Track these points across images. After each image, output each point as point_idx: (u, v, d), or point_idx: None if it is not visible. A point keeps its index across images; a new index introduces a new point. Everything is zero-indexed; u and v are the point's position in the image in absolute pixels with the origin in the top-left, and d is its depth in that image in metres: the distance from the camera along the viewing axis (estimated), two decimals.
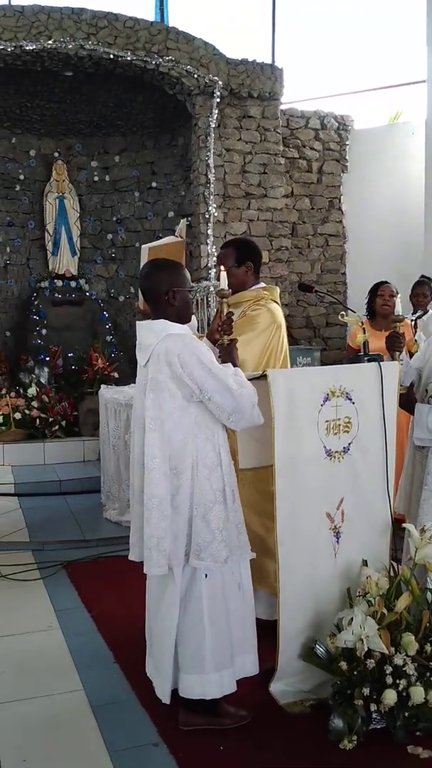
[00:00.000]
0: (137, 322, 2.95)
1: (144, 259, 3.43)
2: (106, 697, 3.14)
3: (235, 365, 2.91)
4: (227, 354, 2.97)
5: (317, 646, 2.97)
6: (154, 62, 7.92)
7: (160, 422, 2.76)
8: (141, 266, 3.35)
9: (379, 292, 5.60)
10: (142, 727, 2.91)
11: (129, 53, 7.83)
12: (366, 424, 3.13)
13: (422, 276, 6.85)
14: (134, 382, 3.08)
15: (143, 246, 3.68)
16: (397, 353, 3.27)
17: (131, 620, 3.62)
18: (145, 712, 3.01)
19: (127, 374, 7.70)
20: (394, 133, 9.55)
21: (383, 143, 9.49)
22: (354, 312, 3.55)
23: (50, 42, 7.60)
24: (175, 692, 2.91)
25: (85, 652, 3.55)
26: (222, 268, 3.15)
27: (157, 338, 2.79)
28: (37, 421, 7.71)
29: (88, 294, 9.50)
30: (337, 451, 3.07)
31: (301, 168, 9.31)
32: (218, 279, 3.09)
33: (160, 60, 7.93)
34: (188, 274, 2.98)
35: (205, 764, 2.68)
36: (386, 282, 5.65)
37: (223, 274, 3.05)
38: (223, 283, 3.02)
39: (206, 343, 3.13)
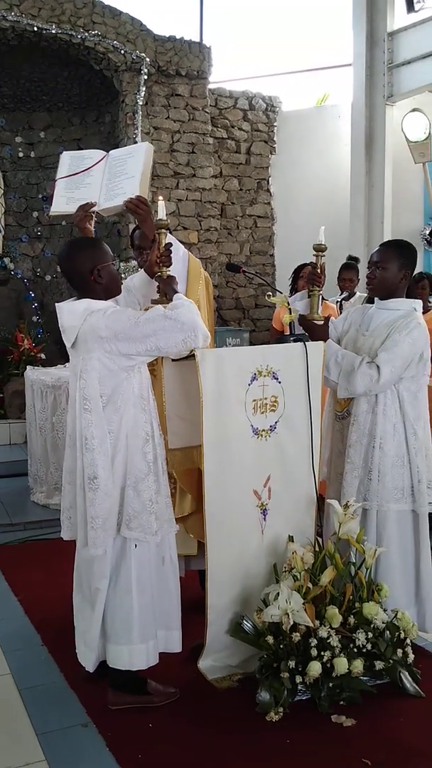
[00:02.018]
0: (57, 304, 2.89)
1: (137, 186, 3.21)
2: (33, 680, 3.11)
3: (171, 299, 2.86)
4: (166, 286, 2.92)
5: (244, 621, 3.01)
6: (79, 36, 7.75)
7: (96, 402, 2.74)
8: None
9: (301, 274, 5.67)
10: (70, 709, 2.91)
11: (54, 26, 7.64)
12: (292, 403, 3.17)
13: (349, 257, 6.96)
14: (61, 363, 3.04)
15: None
16: (317, 288, 3.29)
17: (59, 603, 3.59)
18: (73, 693, 3.01)
19: (55, 355, 7.58)
20: (321, 116, 9.65)
21: (311, 125, 9.57)
22: (281, 293, 3.58)
23: None
24: (104, 674, 2.92)
25: (12, 636, 3.51)
26: (161, 198, 3.09)
27: (81, 319, 2.76)
28: None
29: (13, 273, 9.29)
30: (264, 430, 3.11)
31: (230, 148, 9.30)
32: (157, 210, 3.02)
33: (86, 34, 7.77)
34: (107, 246, 2.93)
35: (135, 742, 2.69)
36: (309, 263, 5.71)
37: (161, 204, 2.99)
38: (161, 213, 2.97)
39: (143, 277, 3.09)
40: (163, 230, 2.97)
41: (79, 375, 2.77)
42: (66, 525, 2.93)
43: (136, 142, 8.16)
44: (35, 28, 7.58)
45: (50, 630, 3.53)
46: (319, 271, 3.29)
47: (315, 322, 3.26)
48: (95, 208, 3.26)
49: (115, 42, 7.92)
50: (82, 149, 8.98)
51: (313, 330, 3.26)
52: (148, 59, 8.06)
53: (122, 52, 7.95)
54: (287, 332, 3.36)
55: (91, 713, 2.87)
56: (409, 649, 3.00)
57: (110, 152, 3.44)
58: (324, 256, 3.30)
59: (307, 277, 3.38)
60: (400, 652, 2.96)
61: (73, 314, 2.80)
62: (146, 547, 2.84)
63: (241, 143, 9.41)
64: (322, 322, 3.26)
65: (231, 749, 2.65)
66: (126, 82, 8.12)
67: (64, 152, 3.53)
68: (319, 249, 3.27)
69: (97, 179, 3.35)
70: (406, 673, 2.98)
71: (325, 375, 3.24)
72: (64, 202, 3.33)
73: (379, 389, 3.17)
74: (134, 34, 8.07)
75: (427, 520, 3.31)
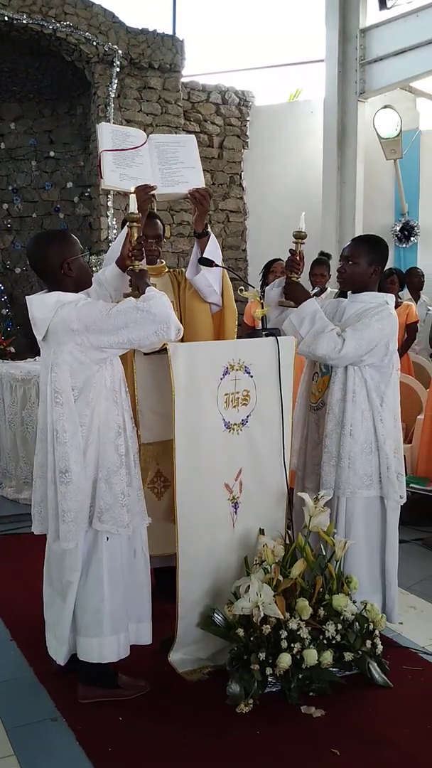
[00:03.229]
0: (27, 296, 2.87)
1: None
2: (2, 675, 3.10)
3: (143, 292, 2.84)
4: (139, 279, 2.90)
5: (215, 614, 3.02)
6: (51, 27, 7.66)
7: (67, 395, 2.72)
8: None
9: (271, 269, 5.70)
10: (40, 703, 2.90)
11: (25, 16, 7.54)
12: (263, 397, 3.18)
13: (321, 253, 7.00)
14: (31, 357, 3.02)
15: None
16: (295, 275, 3.34)
17: (29, 598, 3.57)
18: (42, 687, 3.00)
19: (24, 348, 7.51)
20: (293, 111, 9.66)
21: (283, 120, 9.58)
22: (253, 287, 3.58)
23: None
24: (74, 668, 2.91)
25: None
26: (131, 190, 3.07)
27: (52, 312, 2.74)
28: None
29: None
30: (235, 424, 3.12)
31: (203, 143, 9.27)
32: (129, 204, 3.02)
33: (58, 25, 7.68)
34: (75, 239, 2.91)
35: (105, 736, 2.69)
36: (279, 259, 5.74)
37: (133, 197, 2.98)
38: (133, 206, 2.95)
39: (115, 270, 3.08)
40: (135, 224, 2.96)
41: (50, 368, 2.75)
42: (37, 519, 2.91)
43: None
44: (5, 18, 7.47)
45: (19, 625, 3.51)
46: (298, 258, 3.32)
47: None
48: (155, 192, 3.27)
49: (87, 33, 7.85)
50: (53, 141, 9.01)
51: (293, 289, 3.32)
52: (120, 51, 8.00)
53: (94, 43, 7.88)
54: (259, 326, 3.37)
55: (61, 707, 2.86)
56: (377, 640, 3.03)
57: (150, 136, 3.45)
58: (304, 243, 3.33)
59: (285, 264, 3.41)
60: (369, 643, 3.00)
61: (44, 307, 2.78)
62: (118, 540, 2.84)
63: (214, 137, 9.39)
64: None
65: (201, 742, 2.66)
66: (98, 74, 8.05)
67: (103, 124, 3.48)
68: (299, 236, 3.32)
69: (146, 160, 3.37)
70: (375, 664, 3.02)
71: (295, 325, 3.26)
72: (117, 177, 3.27)
73: (338, 360, 3.21)
74: (106, 25, 8.00)
75: (397, 511, 3.36)
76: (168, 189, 3.29)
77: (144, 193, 3.20)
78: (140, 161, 3.34)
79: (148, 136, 3.44)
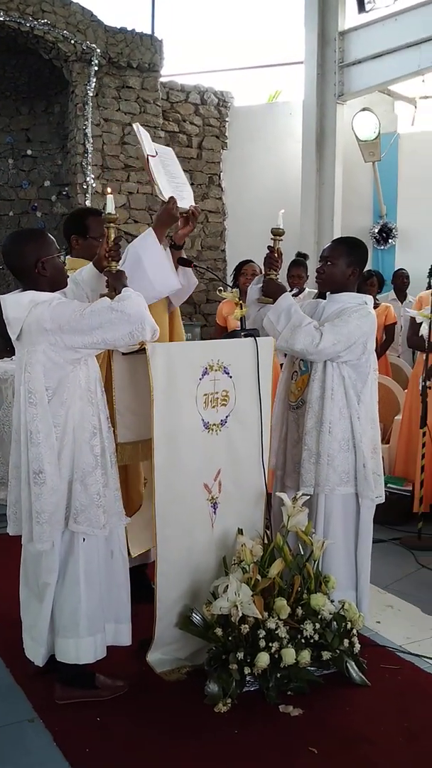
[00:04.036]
0: (1, 296, 2.85)
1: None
2: None
3: (120, 293, 2.82)
4: (115, 280, 2.88)
5: (194, 614, 3.02)
6: (28, 24, 7.62)
7: (41, 395, 2.71)
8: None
9: (242, 271, 5.72)
10: (16, 704, 2.88)
11: (2, 13, 7.50)
12: (242, 398, 3.19)
13: (298, 254, 7.03)
14: (7, 356, 2.99)
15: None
16: (273, 272, 3.36)
17: (5, 600, 3.54)
18: (19, 688, 2.98)
19: (1, 348, 7.44)
20: (273, 113, 9.70)
21: (262, 122, 9.61)
22: (231, 287, 3.60)
23: None
24: (52, 669, 2.89)
25: None
26: (110, 191, 3.07)
27: (26, 311, 2.72)
28: None
29: None
30: (214, 424, 3.12)
31: (182, 142, 9.28)
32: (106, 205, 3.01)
33: (35, 22, 7.65)
34: (52, 238, 2.89)
35: (83, 737, 2.68)
36: (250, 261, 5.76)
37: (110, 198, 2.97)
38: (110, 207, 2.94)
39: (92, 270, 3.08)
40: (112, 224, 2.96)
41: (24, 368, 2.73)
42: (12, 520, 2.89)
43: (86, 134, 8.09)
44: None
45: None
46: (276, 255, 3.34)
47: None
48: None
49: (65, 31, 7.82)
50: (30, 139, 8.96)
51: (269, 285, 3.34)
52: (98, 50, 7.98)
53: (72, 42, 7.85)
54: (238, 327, 3.37)
55: (38, 708, 2.84)
56: (355, 639, 3.05)
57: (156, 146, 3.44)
58: (281, 240, 3.35)
59: (263, 261, 3.42)
60: (346, 642, 3.01)
61: (18, 306, 2.75)
62: (94, 541, 2.83)
63: (193, 138, 9.39)
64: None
65: (179, 742, 2.65)
66: (76, 73, 8.03)
67: (137, 124, 3.43)
68: (277, 233, 3.34)
69: (179, 174, 3.44)
70: (353, 663, 3.03)
71: (272, 321, 3.28)
72: (179, 199, 3.27)
73: (316, 355, 3.23)
74: (85, 24, 7.97)
75: (372, 509, 3.38)
76: (180, 204, 3.29)
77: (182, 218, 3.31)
78: (176, 176, 3.40)
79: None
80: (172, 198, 3.19)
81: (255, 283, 3.47)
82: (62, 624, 2.82)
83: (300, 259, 6.64)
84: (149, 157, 3.27)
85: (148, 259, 3.14)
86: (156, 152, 3.35)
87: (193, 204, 3.36)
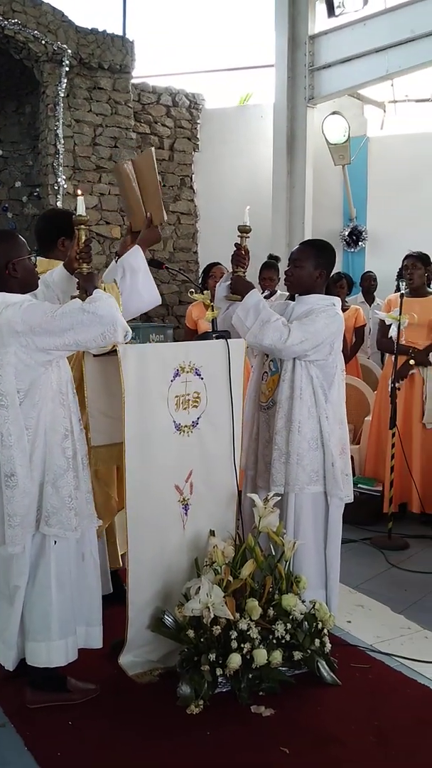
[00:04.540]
0: None
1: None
2: None
3: (90, 294, 2.82)
4: (86, 282, 2.88)
5: (166, 616, 3.02)
6: None
7: (12, 397, 2.69)
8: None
9: (210, 273, 5.74)
10: None
11: None
12: (214, 399, 3.20)
13: (270, 256, 7.05)
14: None
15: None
16: (241, 269, 3.38)
17: None
18: None
19: None
20: (244, 115, 9.73)
21: (234, 124, 9.64)
22: (202, 290, 3.61)
23: None
24: (22, 673, 2.87)
25: None
26: (80, 192, 3.07)
27: None
28: None
29: None
30: (186, 426, 3.12)
31: (153, 144, 9.26)
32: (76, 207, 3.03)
33: (6, 22, 7.59)
34: (23, 240, 2.89)
35: (54, 740, 2.67)
36: (218, 263, 5.80)
37: (81, 199, 2.97)
38: (81, 209, 2.94)
39: (63, 272, 3.07)
40: (83, 226, 2.96)
41: None
42: None
43: (57, 135, 8.04)
44: None
45: None
46: (243, 252, 3.36)
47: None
48: None
49: (35, 32, 7.77)
50: (1, 140, 8.88)
51: (237, 282, 3.37)
52: (69, 51, 7.94)
53: (43, 42, 7.80)
54: (209, 329, 3.39)
55: (9, 713, 2.82)
56: (326, 639, 3.07)
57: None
58: (248, 237, 3.37)
59: (231, 258, 3.44)
60: (317, 642, 3.03)
61: None
62: (66, 544, 2.82)
63: (165, 139, 9.39)
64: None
65: (152, 744, 2.65)
66: (47, 73, 7.98)
67: (152, 148, 3.54)
68: (244, 230, 3.37)
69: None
70: (324, 663, 3.05)
71: (241, 317, 3.30)
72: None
73: (284, 351, 3.26)
74: (56, 24, 7.93)
75: (341, 507, 3.41)
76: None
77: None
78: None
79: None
80: (159, 217, 3.34)
81: (224, 281, 3.48)
82: (33, 627, 2.81)
83: (272, 262, 6.66)
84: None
85: (142, 275, 3.30)
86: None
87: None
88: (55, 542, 2.79)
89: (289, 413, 3.31)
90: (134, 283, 3.26)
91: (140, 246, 3.33)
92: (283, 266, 6.10)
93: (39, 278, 2.95)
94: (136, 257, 3.31)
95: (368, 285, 7.72)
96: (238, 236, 3.38)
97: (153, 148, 3.54)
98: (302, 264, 3.39)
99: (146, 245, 3.38)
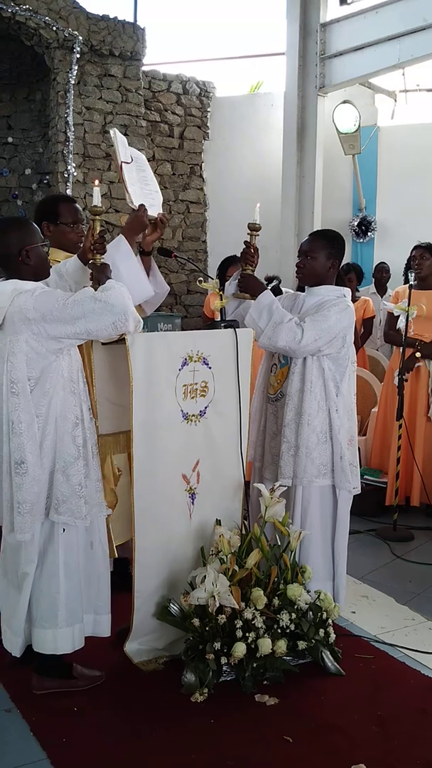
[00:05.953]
0: None
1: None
2: None
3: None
4: (100, 273, 2.88)
5: (171, 604, 3.04)
6: (9, 10, 7.52)
7: (23, 385, 2.70)
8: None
9: (228, 273, 5.70)
10: None
11: None
12: (221, 389, 3.20)
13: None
14: None
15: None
16: (250, 267, 3.38)
17: None
18: None
19: None
20: (255, 103, 9.66)
21: (244, 112, 9.58)
22: (212, 279, 3.60)
23: None
24: (29, 660, 2.90)
25: None
26: (96, 182, 3.05)
27: (8, 300, 2.71)
28: None
29: None
30: (193, 415, 3.13)
31: (163, 132, 9.23)
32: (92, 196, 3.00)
33: (17, 8, 7.55)
34: (36, 227, 2.88)
35: (60, 726, 2.69)
36: (235, 258, 5.74)
37: (96, 189, 2.96)
38: (96, 199, 2.93)
39: (77, 263, 3.07)
40: (98, 217, 2.95)
41: (7, 357, 2.72)
42: None
43: (68, 122, 8.00)
44: None
45: None
46: (252, 250, 3.35)
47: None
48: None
49: (47, 18, 7.73)
50: (11, 127, 8.87)
51: (248, 281, 3.36)
52: (81, 37, 7.90)
53: (54, 28, 7.76)
54: (218, 318, 3.38)
55: (15, 698, 2.85)
56: (330, 629, 3.09)
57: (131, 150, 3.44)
58: (258, 235, 3.36)
59: (240, 256, 3.44)
60: (322, 632, 3.04)
61: (1, 295, 2.74)
62: (74, 531, 2.83)
63: (175, 127, 9.34)
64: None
65: (156, 731, 2.67)
66: (58, 60, 7.94)
67: (114, 129, 3.43)
68: (254, 228, 3.35)
69: (153, 182, 3.48)
70: (328, 653, 3.07)
71: (254, 318, 3.29)
72: (149, 206, 3.28)
73: (298, 351, 3.26)
74: (67, 10, 7.89)
75: (349, 500, 3.42)
76: (150, 212, 3.29)
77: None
78: (151, 188, 3.41)
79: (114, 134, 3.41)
80: (142, 206, 3.20)
81: (233, 279, 3.48)
82: (40, 614, 2.82)
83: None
84: (123, 164, 3.27)
85: (125, 266, 3.11)
86: (131, 158, 3.35)
87: (161, 212, 3.38)
88: (64, 530, 2.80)
89: (299, 406, 3.31)
90: (116, 277, 2.94)
91: (123, 235, 3.18)
92: (288, 258, 6.08)
93: (51, 266, 2.96)
94: (116, 249, 3.11)
95: (380, 276, 7.68)
96: (248, 234, 3.37)
97: (115, 129, 3.43)
98: (314, 255, 3.38)
99: (131, 234, 3.20)
